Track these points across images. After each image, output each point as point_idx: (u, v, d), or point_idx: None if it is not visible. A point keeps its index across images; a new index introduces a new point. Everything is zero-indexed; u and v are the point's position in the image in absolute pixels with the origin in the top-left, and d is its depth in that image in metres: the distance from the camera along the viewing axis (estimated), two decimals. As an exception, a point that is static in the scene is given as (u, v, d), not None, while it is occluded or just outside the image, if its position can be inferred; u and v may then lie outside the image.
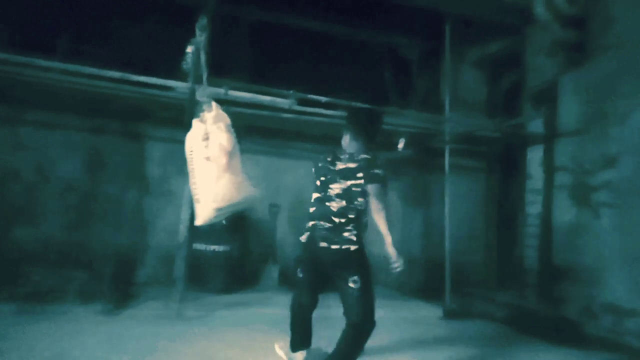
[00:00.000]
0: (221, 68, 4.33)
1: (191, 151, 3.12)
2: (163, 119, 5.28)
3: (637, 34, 4.08)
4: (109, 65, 3.97)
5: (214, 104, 3.17)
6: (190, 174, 3.14)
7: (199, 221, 3.14)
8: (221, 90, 3.95)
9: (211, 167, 3.06)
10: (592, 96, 4.43)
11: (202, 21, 3.31)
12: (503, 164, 6.15)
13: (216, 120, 3.14)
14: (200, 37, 3.28)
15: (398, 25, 5.94)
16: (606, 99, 4.27)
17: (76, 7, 5.29)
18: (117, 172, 5.37)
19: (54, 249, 4.93)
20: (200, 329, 3.64)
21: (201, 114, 3.13)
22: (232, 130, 3.26)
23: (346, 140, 2.85)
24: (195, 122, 3.17)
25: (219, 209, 3.04)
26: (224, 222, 5.13)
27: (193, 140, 3.14)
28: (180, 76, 4.03)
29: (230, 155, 3.12)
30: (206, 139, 3.07)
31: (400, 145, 5.43)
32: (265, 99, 4.28)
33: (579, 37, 4.53)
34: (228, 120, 3.25)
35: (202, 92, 3.26)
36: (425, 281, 5.91)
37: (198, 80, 3.77)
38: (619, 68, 4.19)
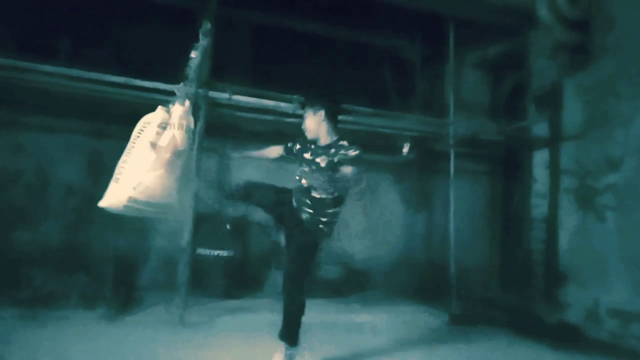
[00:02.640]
0: (223, 71, 4.33)
1: (141, 130, 2.89)
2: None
3: (639, 36, 4.06)
4: (110, 69, 3.96)
5: (187, 102, 3.07)
6: (126, 152, 2.88)
7: (104, 202, 2.83)
8: (225, 95, 3.93)
9: (150, 155, 2.83)
10: (595, 99, 4.41)
11: (206, 26, 3.29)
12: (506, 167, 6.13)
13: (182, 117, 3.00)
14: (204, 41, 3.26)
15: (400, 28, 5.94)
16: (609, 101, 4.26)
17: (77, 11, 5.28)
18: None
19: (55, 252, 4.90)
20: (203, 335, 3.61)
21: (171, 105, 3.01)
22: (192, 135, 3.09)
23: (315, 128, 3.00)
24: (160, 109, 3.02)
25: (134, 200, 2.78)
26: (227, 226, 5.14)
27: (149, 121, 2.93)
28: (182, 80, 4.01)
29: (176, 155, 2.90)
30: (163, 127, 2.93)
31: (405, 150, 5.42)
32: (269, 103, 4.27)
33: (582, 39, 4.52)
34: (192, 124, 3.10)
35: (182, 88, 3.16)
36: (428, 284, 5.88)
37: (201, 86, 3.76)
38: (621, 70, 4.18)
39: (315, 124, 3.00)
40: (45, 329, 3.44)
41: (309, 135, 3.04)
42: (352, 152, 2.86)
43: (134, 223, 5.35)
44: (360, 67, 6.39)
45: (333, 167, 2.87)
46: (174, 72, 4.00)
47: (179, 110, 2.99)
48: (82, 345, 3.15)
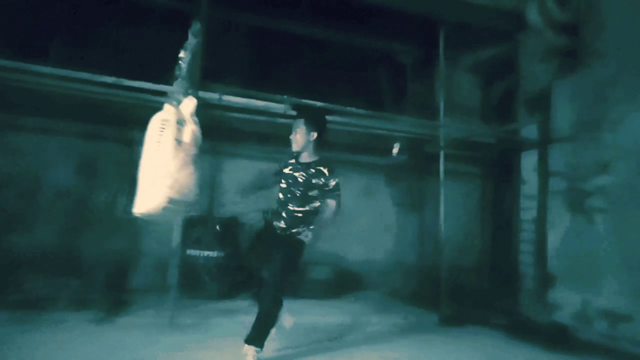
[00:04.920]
0: (215, 73, 4.32)
1: (162, 128, 2.79)
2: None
3: (628, 41, 4.11)
4: (102, 71, 3.95)
5: (194, 99, 3.05)
6: (152, 152, 2.77)
7: (140, 209, 2.75)
8: (215, 95, 3.93)
9: (178, 153, 2.76)
10: (585, 102, 4.45)
11: (196, 26, 3.28)
12: (498, 169, 6.17)
13: (192, 113, 2.98)
14: (193, 41, 3.25)
15: (392, 31, 5.97)
16: (599, 105, 4.30)
17: (69, 13, 5.26)
18: (110, 177, 5.32)
19: (46, 255, 4.87)
20: (193, 337, 3.60)
21: (175, 102, 2.97)
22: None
23: (301, 142, 3.11)
24: (167, 106, 2.96)
25: (171, 200, 2.70)
26: (217, 228, 5.12)
27: (164, 119, 2.84)
28: (173, 83, 4.00)
29: (198, 149, 2.89)
30: (180, 123, 2.86)
31: (395, 151, 5.45)
32: (260, 104, 4.27)
33: (572, 43, 4.56)
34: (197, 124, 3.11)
35: (179, 84, 3.12)
36: (420, 287, 5.90)
37: (192, 86, 3.75)
38: (611, 74, 4.22)
39: (302, 138, 3.12)
40: (36, 332, 3.42)
41: (295, 147, 3.15)
42: (332, 182, 3.05)
43: (125, 226, 5.34)
44: (353, 70, 6.41)
45: (309, 185, 3.05)
46: (165, 73, 4.01)
47: (189, 106, 2.97)
48: (72, 348, 3.13)
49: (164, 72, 4.00)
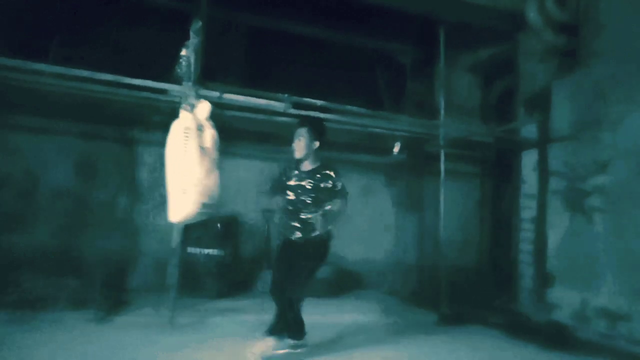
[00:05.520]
0: (215, 73, 4.32)
1: (187, 136, 2.93)
2: (155, 124, 5.23)
3: (627, 41, 4.12)
4: (101, 70, 3.94)
5: (207, 103, 3.11)
6: (178, 161, 2.91)
7: (175, 217, 2.93)
8: (215, 94, 3.92)
9: (204, 159, 2.92)
10: (584, 102, 4.46)
11: (197, 25, 3.29)
12: (497, 168, 6.18)
13: (205, 113, 3.06)
14: (194, 40, 3.25)
15: (392, 31, 5.97)
16: (598, 104, 4.30)
17: (68, 12, 5.24)
18: (109, 177, 5.32)
19: (45, 255, 4.86)
20: (192, 336, 3.60)
21: (189, 107, 3.02)
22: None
23: (303, 152, 3.22)
24: (183, 112, 3.03)
25: (204, 205, 2.90)
26: (218, 226, 5.12)
27: (185, 127, 2.95)
28: (174, 80, 4.00)
29: (218, 152, 3.03)
30: (200, 129, 2.97)
31: (396, 150, 5.45)
32: (260, 102, 4.26)
33: (571, 43, 4.57)
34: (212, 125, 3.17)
35: (191, 88, 3.17)
36: (419, 287, 5.91)
37: (192, 84, 3.75)
38: (609, 74, 4.22)
39: (305, 146, 3.22)
40: (35, 332, 3.41)
41: (297, 154, 3.25)
42: (339, 184, 3.19)
43: (124, 225, 5.34)
44: (352, 69, 6.42)
45: (318, 190, 3.17)
46: (165, 71, 4.01)
47: (205, 110, 3.05)
48: (72, 348, 3.13)
49: (164, 71, 4.01)
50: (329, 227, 3.22)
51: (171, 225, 4.08)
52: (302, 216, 3.19)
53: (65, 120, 5.13)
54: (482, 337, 4.21)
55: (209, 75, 4.10)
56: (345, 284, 5.80)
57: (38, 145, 5.08)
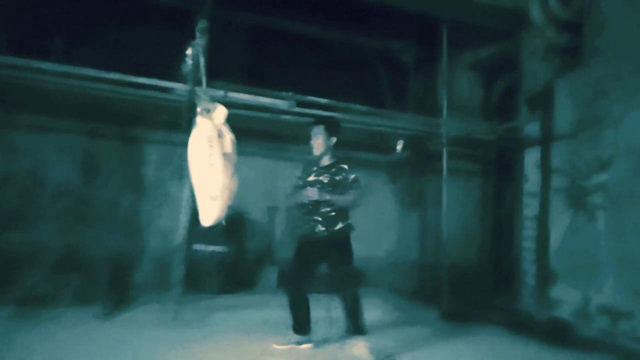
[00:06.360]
0: (218, 72, 4.33)
1: (211, 145, 3.05)
2: (159, 122, 5.26)
3: (629, 38, 4.12)
4: (105, 69, 3.95)
5: (219, 105, 3.18)
6: (205, 171, 3.05)
7: (208, 221, 3.11)
8: (220, 92, 3.94)
9: (228, 164, 3.09)
10: (586, 100, 4.47)
11: (202, 24, 3.31)
12: (498, 166, 6.19)
13: (222, 118, 3.17)
14: (200, 40, 3.28)
15: (393, 29, 5.97)
16: (600, 102, 4.32)
17: (71, 10, 5.25)
18: (113, 175, 5.33)
19: (48, 252, 4.85)
20: (197, 333, 3.61)
21: (205, 112, 3.11)
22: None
23: (321, 149, 3.38)
24: (201, 120, 3.12)
25: (230, 207, 3.13)
26: (223, 222, 5.14)
27: (208, 136, 3.07)
28: (178, 80, 4.02)
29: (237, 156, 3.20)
30: (220, 135, 3.09)
31: (399, 147, 5.47)
32: (265, 100, 4.29)
33: (574, 41, 4.57)
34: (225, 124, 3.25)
35: (205, 92, 3.24)
36: (421, 284, 5.93)
37: (197, 83, 3.77)
38: (611, 72, 4.23)
39: (323, 143, 3.37)
40: (39, 328, 3.43)
41: (315, 151, 3.41)
42: (352, 176, 3.31)
43: (127, 223, 5.35)
44: (355, 68, 6.43)
45: (335, 184, 3.30)
46: (169, 71, 4.02)
47: (221, 115, 3.15)
48: (76, 344, 3.14)
49: (168, 69, 4.02)
50: (349, 221, 3.35)
51: (175, 222, 4.11)
52: (322, 210, 3.29)
53: (68, 119, 5.15)
54: (484, 335, 4.22)
55: (212, 74, 4.11)
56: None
57: (41, 143, 5.09)
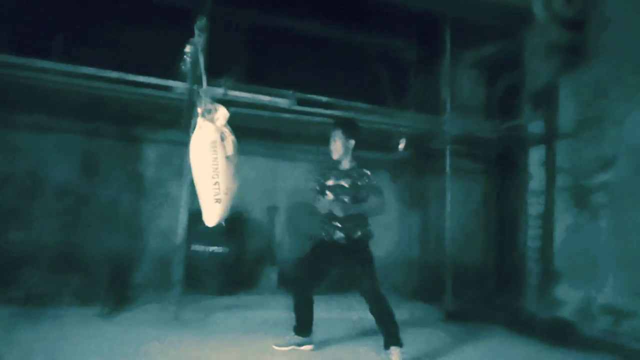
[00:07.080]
0: (218, 71, 4.31)
1: (215, 149, 3.05)
2: (159, 122, 5.24)
3: (632, 37, 4.10)
4: (105, 67, 3.93)
5: (220, 106, 3.17)
6: (212, 174, 3.05)
7: (212, 222, 3.14)
8: (220, 91, 3.92)
9: (230, 166, 3.11)
10: (589, 98, 4.44)
11: (201, 22, 3.29)
12: (501, 165, 6.16)
13: (224, 120, 3.17)
14: (199, 37, 3.26)
15: (395, 28, 5.95)
16: (603, 101, 4.29)
17: (71, 9, 5.23)
18: (113, 174, 5.32)
19: (48, 252, 4.87)
20: (197, 333, 3.60)
21: (206, 113, 3.10)
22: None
23: (340, 150, 3.30)
24: (202, 122, 3.11)
25: (231, 207, 3.15)
26: (222, 223, 5.13)
27: (211, 139, 3.06)
28: (178, 78, 4.00)
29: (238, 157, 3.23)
30: (222, 138, 3.09)
31: (401, 146, 5.44)
32: (265, 98, 4.27)
33: (577, 39, 4.55)
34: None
35: (207, 92, 3.23)
36: (423, 283, 5.90)
37: (196, 81, 3.75)
38: (614, 70, 4.21)
39: (342, 146, 3.29)
40: (39, 328, 3.42)
41: (335, 155, 3.32)
42: (374, 182, 3.24)
43: (127, 222, 5.34)
44: (356, 67, 6.40)
45: (356, 188, 3.22)
46: (169, 69, 4.01)
47: (222, 117, 3.15)
48: (76, 344, 3.13)
49: (168, 68, 4.01)
50: (368, 227, 3.27)
51: (175, 222, 4.09)
52: (342, 215, 3.20)
53: (68, 119, 5.13)
54: (487, 334, 4.20)
55: (212, 72, 4.10)
56: (349, 280, 5.79)
57: (41, 143, 5.07)
